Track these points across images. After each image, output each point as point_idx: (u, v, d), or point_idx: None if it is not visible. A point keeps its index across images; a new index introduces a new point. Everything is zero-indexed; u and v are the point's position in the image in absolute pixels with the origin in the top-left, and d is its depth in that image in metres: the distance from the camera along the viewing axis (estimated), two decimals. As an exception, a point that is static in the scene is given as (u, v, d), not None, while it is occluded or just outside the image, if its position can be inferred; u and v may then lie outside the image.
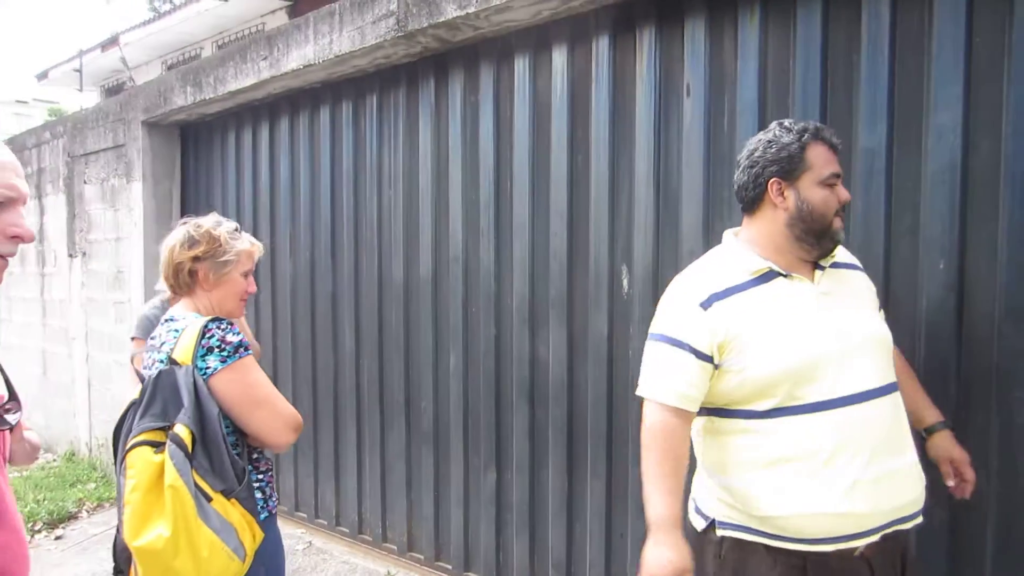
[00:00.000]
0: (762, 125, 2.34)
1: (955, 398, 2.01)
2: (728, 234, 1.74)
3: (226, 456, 1.64)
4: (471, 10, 2.76)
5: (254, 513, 1.68)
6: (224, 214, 4.37)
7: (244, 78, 3.82)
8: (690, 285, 1.60)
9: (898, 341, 1.75)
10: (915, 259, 2.12)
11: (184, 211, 4.70)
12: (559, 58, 2.85)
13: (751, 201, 1.64)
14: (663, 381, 1.57)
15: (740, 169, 1.67)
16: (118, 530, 1.59)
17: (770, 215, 1.61)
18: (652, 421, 1.57)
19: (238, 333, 1.75)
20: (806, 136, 1.58)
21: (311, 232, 3.92)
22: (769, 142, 1.61)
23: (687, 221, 2.54)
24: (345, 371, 3.77)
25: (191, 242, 1.82)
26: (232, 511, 1.61)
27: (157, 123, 4.71)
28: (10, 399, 1.21)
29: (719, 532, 1.59)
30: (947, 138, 2.05)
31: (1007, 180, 1.96)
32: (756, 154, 1.63)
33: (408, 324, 3.46)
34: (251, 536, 1.65)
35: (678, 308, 1.58)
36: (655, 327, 1.63)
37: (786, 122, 1.64)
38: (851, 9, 2.20)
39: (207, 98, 4.11)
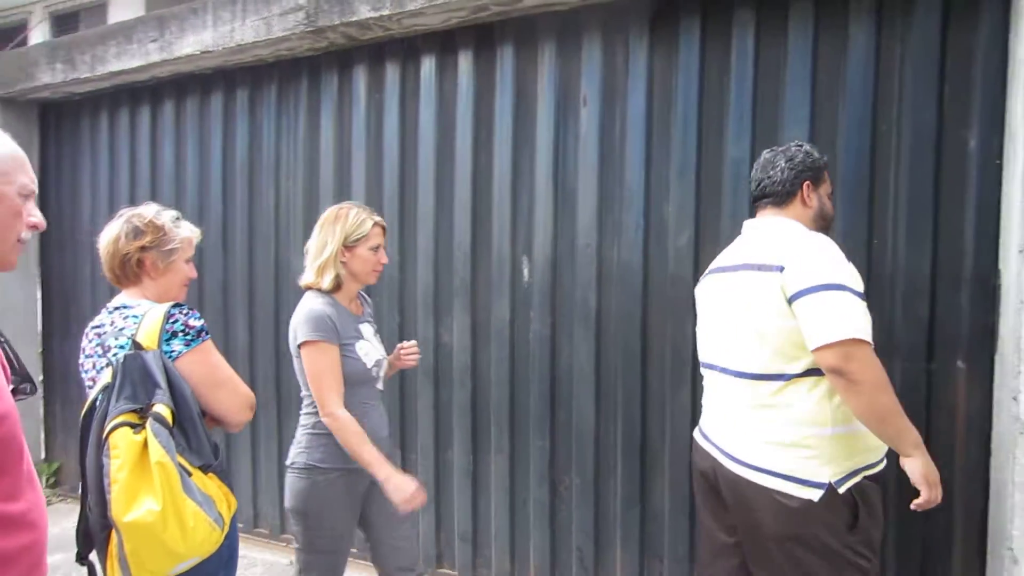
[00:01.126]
0: (649, 135, 2.70)
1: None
2: (765, 221, 1.92)
3: (202, 433, 1.71)
4: (385, 12, 2.91)
5: (229, 485, 1.77)
6: (96, 202, 4.24)
7: (129, 59, 3.70)
8: (836, 248, 1.74)
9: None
10: (774, 252, 2.54)
11: (45, 199, 4.44)
12: (465, 63, 3.06)
13: (786, 195, 1.92)
14: (866, 325, 1.63)
15: (778, 169, 1.93)
16: (83, 516, 1.62)
17: (799, 210, 1.92)
18: (874, 361, 1.61)
19: (199, 318, 1.83)
20: (824, 159, 1.99)
21: (199, 223, 3.86)
22: (807, 153, 1.95)
23: (583, 217, 2.84)
24: (237, 365, 3.76)
25: (136, 232, 1.86)
26: (210, 484, 1.69)
27: (13, 99, 4.40)
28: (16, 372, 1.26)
29: (843, 488, 1.69)
30: (799, 152, 2.48)
31: (840, 187, 2.41)
32: (797, 160, 1.93)
33: (308, 313, 3.52)
34: (227, 506, 1.73)
35: (846, 266, 1.70)
36: (831, 277, 1.65)
37: (805, 145, 1.99)
38: (724, 40, 2.59)
39: (80, 77, 3.93)
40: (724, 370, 1.92)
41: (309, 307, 2.11)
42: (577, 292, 2.86)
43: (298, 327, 2.10)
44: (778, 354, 1.75)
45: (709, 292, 2.04)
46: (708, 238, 2.63)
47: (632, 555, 2.81)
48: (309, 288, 2.19)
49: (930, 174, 2.30)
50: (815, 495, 1.69)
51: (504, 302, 3.01)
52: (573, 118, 2.86)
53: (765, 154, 2.02)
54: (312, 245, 2.20)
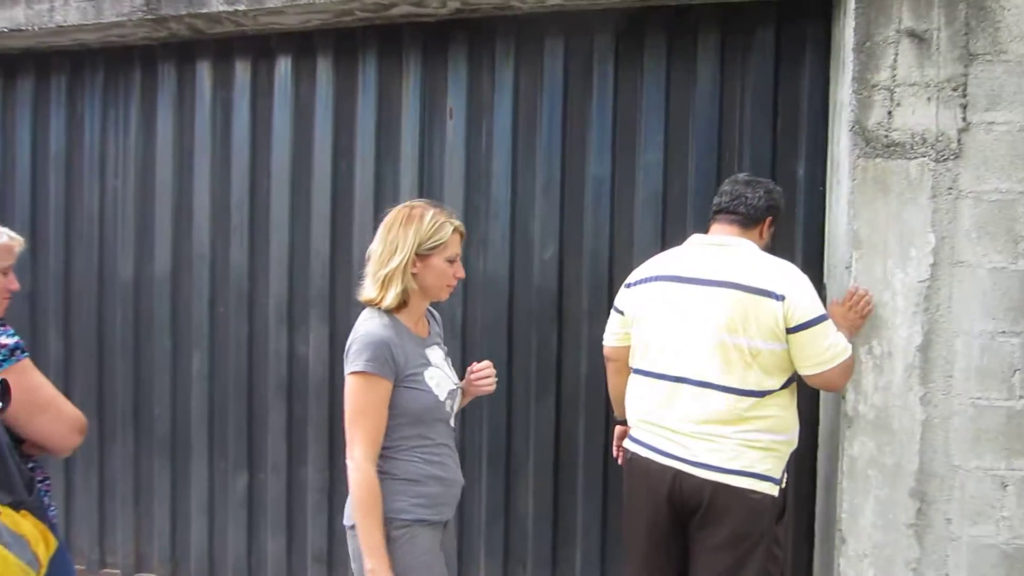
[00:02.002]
0: (515, 149, 2.78)
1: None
2: (732, 240, 2.05)
3: (11, 466, 1.52)
4: (241, 7, 2.74)
5: (46, 521, 1.58)
6: None
7: (-88, 33, 3.17)
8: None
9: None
10: (630, 266, 2.70)
11: None
12: (325, 67, 2.97)
13: (753, 220, 2.08)
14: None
15: (758, 195, 2.08)
16: None
17: (756, 237, 2.09)
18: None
19: (13, 335, 1.64)
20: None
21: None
22: (780, 195, 2.16)
23: (449, 228, 2.85)
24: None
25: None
26: (23, 523, 1.50)
27: None
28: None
29: (783, 484, 1.99)
30: (653, 173, 2.67)
31: (692, 208, 2.63)
32: (774, 196, 2.12)
33: (139, 326, 3.21)
34: (45, 546, 1.54)
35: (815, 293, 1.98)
36: (821, 309, 1.95)
37: (775, 186, 2.17)
38: (586, 63, 2.73)
39: None
40: (689, 381, 1.96)
41: (367, 330, 1.75)
42: (442, 302, 2.86)
43: (351, 351, 1.74)
44: (765, 373, 1.93)
45: (666, 301, 2.03)
46: (572, 252, 2.75)
47: (496, 563, 2.85)
48: (369, 304, 1.83)
49: (766, 198, 2.58)
50: (775, 491, 1.94)
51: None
52: (439, 130, 2.87)
53: (744, 176, 2.18)
54: (375, 251, 1.82)
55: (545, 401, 2.78)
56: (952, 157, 2.19)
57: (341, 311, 2.97)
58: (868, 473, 2.25)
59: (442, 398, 1.81)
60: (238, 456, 3.10)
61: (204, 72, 3.11)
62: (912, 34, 2.21)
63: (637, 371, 2.13)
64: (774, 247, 2.22)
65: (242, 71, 3.06)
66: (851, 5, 2.26)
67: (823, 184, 2.54)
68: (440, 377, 1.84)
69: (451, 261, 1.85)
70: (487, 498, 2.84)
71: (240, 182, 3.07)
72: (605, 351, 2.31)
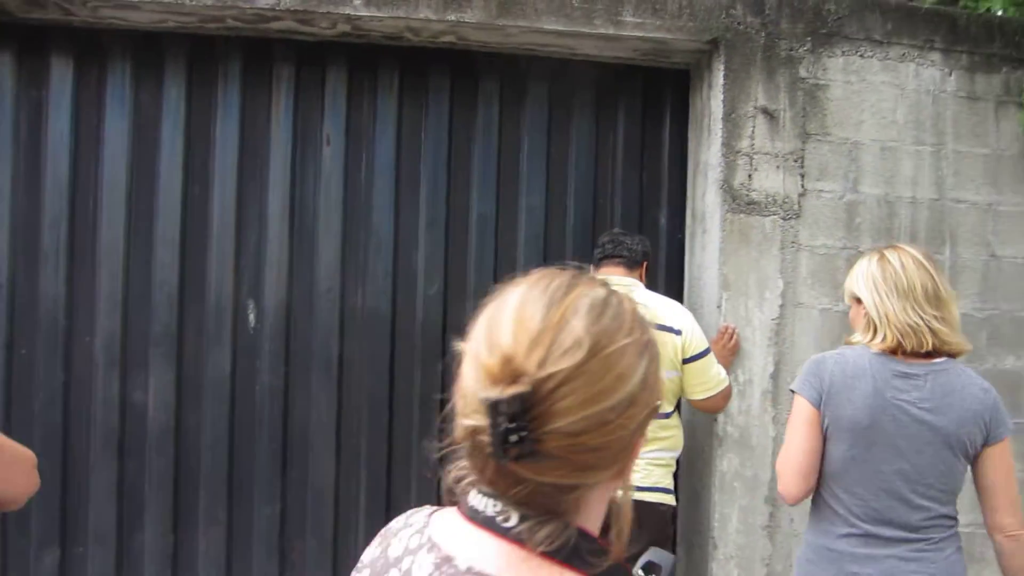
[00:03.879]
0: (398, 182, 2.73)
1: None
2: (626, 281, 2.28)
3: None
4: (86, -5, 2.33)
5: None
6: None
7: None
8: None
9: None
10: (514, 302, 2.79)
11: None
12: (175, 75, 2.62)
13: (635, 263, 2.37)
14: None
15: (635, 242, 2.39)
16: None
17: (638, 279, 2.35)
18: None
19: None
20: None
21: None
22: (648, 246, 2.47)
23: (324, 259, 2.68)
24: None
25: None
26: None
27: None
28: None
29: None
30: (535, 215, 2.80)
31: (571, 249, 2.81)
32: (646, 244, 2.44)
33: None
34: None
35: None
36: (705, 343, 2.25)
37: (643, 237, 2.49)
38: (471, 101, 2.77)
39: None
40: None
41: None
42: (316, 339, 2.68)
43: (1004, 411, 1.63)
44: (664, 398, 2.07)
45: None
46: (456, 289, 2.75)
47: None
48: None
49: (634, 242, 2.85)
50: (674, 500, 2.28)
51: (223, 352, 2.63)
52: (313, 155, 2.70)
53: (618, 230, 2.55)
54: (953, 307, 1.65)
55: (427, 439, 2.73)
56: (794, 217, 2.64)
57: (191, 351, 2.63)
58: (734, 485, 2.59)
59: None
60: (47, 529, 2.55)
61: (6, 64, 2.56)
62: (765, 111, 2.63)
63: None
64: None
65: (62, 68, 2.58)
66: (719, 81, 2.62)
67: (681, 232, 2.88)
68: None
69: None
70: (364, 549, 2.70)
71: (56, 198, 2.57)
72: None
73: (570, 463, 0.62)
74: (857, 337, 1.71)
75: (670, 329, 2.18)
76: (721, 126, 2.61)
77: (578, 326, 0.63)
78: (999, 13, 3.03)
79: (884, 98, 2.72)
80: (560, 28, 2.56)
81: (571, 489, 0.65)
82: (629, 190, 2.86)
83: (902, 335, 1.59)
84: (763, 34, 2.65)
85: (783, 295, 2.63)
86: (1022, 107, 2.79)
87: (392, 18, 2.48)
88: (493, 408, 0.60)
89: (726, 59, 2.62)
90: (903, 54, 2.74)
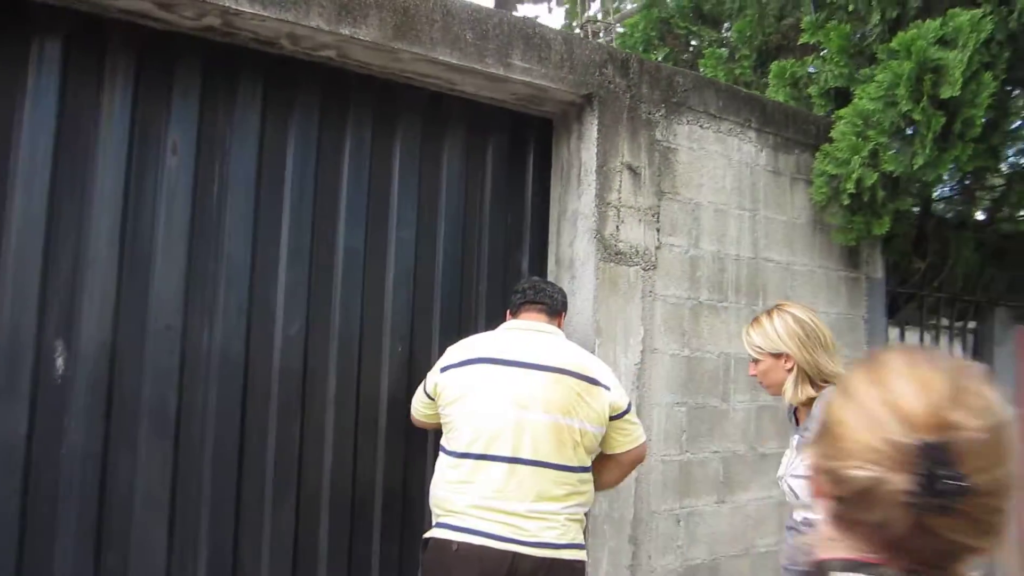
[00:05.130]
0: (257, 203, 2.39)
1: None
2: (550, 328, 2.24)
3: None
4: None
5: None
6: None
7: None
8: None
9: (366, 405, 2.50)
10: (380, 348, 2.57)
11: None
12: (-35, 43, 2.01)
13: (556, 312, 2.29)
14: None
15: (556, 291, 2.33)
16: None
17: (558, 327, 2.29)
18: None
19: None
20: None
21: None
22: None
23: (163, 292, 2.22)
24: None
25: None
26: None
27: None
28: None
29: None
30: (405, 249, 2.63)
31: (441, 283, 2.68)
32: (564, 293, 2.38)
33: None
34: None
35: None
36: (627, 398, 2.23)
37: None
38: (340, 125, 2.53)
39: None
40: (525, 461, 2.01)
41: None
42: (147, 388, 2.19)
43: None
44: (586, 452, 2.09)
45: (496, 383, 2.07)
46: (320, 329, 2.46)
47: None
48: None
49: (500, 284, 2.80)
50: (586, 555, 2.16)
51: (17, 406, 2.03)
52: (155, 165, 2.24)
53: (536, 278, 2.50)
54: None
55: (284, 508, 2.37)
56: (652, 268, 2.82)
57: (-33, 405, 1.98)
58: (604, 528, 2.64)
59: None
60: None
61: None
62: (630, 168, 2.80)
63: (463, 455, 2.09)
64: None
65: None
66: (592, 134, 2.73)
67: (542, 276, 2.91)
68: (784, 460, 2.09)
69: None
70: (202, 637, 2.24)
71: None
72: (414, 420, 2.39)
73: (978, 524, 0.64)
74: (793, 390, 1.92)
75: (600, 384, 2.15)
76: (595, 178, 2.71)
77: (985, 392, 0.67)
78: (783, 100, 3.61)
79: (717, 166, 3.06)
80: (453, 61, 2.46)
81: (967, 552, 0.66)
82: (496, 232, 2.82)
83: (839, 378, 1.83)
84: (628, 96, 2.82)
85: (643, 341, 2.78)
86: (810, 183, 3.33)
87: (278, 20, 2.18)
88: (923, 452, 0.61)
89: (599, 114, 2.74)
90: (730, 129, 3.11)
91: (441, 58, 2.44)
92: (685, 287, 2.93)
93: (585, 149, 2.76)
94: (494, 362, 2.11)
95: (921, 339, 3.90)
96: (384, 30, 2.33)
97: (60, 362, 2.09)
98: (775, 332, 1.99)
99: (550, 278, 2.89)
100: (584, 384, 2.13)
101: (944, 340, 4.05)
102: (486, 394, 2.08)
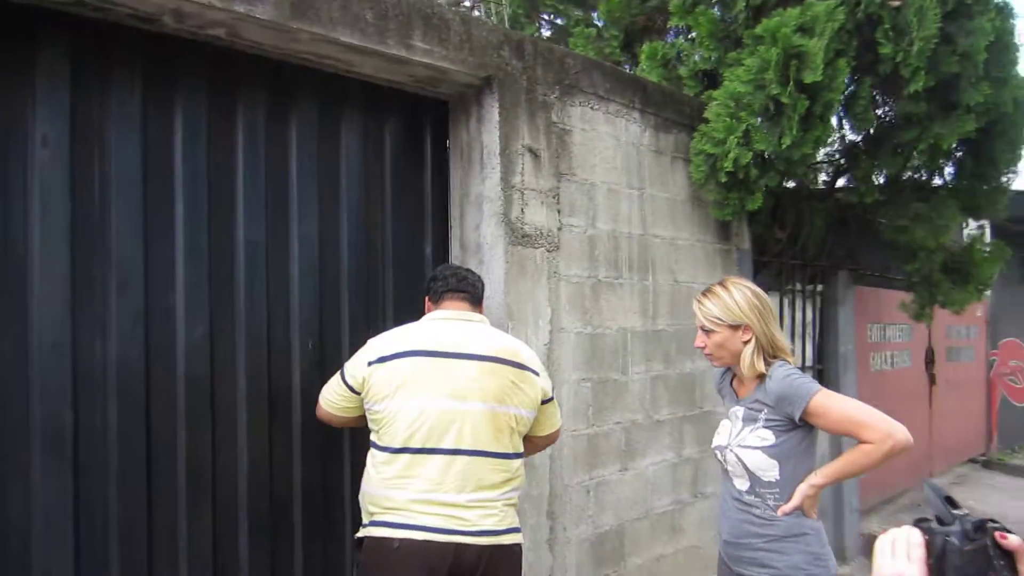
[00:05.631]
0: (146, 201, 2.18)
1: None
2: (477, 316, 2.24)
3: None
4: None
5: None
6: None
7: None
8: None
9: (279, 405, 2.39)
10: (289, 345, 2.45)
11: None
12: None
13: (478, 300, 2.29)
14: None
15: (476, 278, 2.31)
16: None
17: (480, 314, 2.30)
18: None
19: None
20: None
21: None
22: None
23: (47, 304, 1.98)
24: None
25: None
26: None
27: None
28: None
29: None
30: (308, 244, 2.51)
31: (346, 274, 2.59)
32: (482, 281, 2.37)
33: None
34: None
35: None
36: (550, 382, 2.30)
37: None
38: (230, 108, 2.35)
39: None
40: (464, 452, 2.01)
41: None
42: (38, 408, 1.96)
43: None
44: (519, 437, 2.12)
45: (429, 375, 2.04)
46: (224, 331, 2.30)
47: None
48: None
49: (405, 272, 2.74)
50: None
51: None
52: (19, 160, 1.97)
53: (454, 264, 2.52)
54: None
55: (199, 523, 2.21)
56: (555, 249, 2.89)
57: None
58: (524, 506, 2.69)
59: (712, 445, 2.21)
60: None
61: None
62: (531, 150, 2.82)
63: (400, 450, 2.05)
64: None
65: None
66: (493, 117, 2.73)
67: (446, 262, 2.88)
68: (722, 430, 2.18)
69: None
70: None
71: None
72: (325, 416, 2.27)
73: None
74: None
75: (532, 370, 2.18)
76: (499, 161, 2.71)
77: None
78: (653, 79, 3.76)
79: (608, 146, 3.16)
80: (354, 42, 2.35)
81: None
82: (399, 219, 2.75)
83: (787, 353, 1.95)
84: (524, 78, 2.83)
85: (551, 322, 2.84)
86: (688, 162, 3.52)
87: (166, -5, 1.98)
88: None
89: (499, 96, 2.73)
90: (617, 110, 3.21)
91: (343, 39, 2.32)
92: (585, 266, 3.01)
93: (487, 132, 2.75)
94: (427, 354, 2.08)
95: (781, 302, 4.27)
96: (281, 8, 2.18)
97: (-76, 390, 1.82)
98: (735, 303, 2.01)
99: (455, 263, 2.87)
100: (517, 371, 2.15)
101: (798, 302, 4.46)
102: (421, 387, 2.04)
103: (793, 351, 2.04)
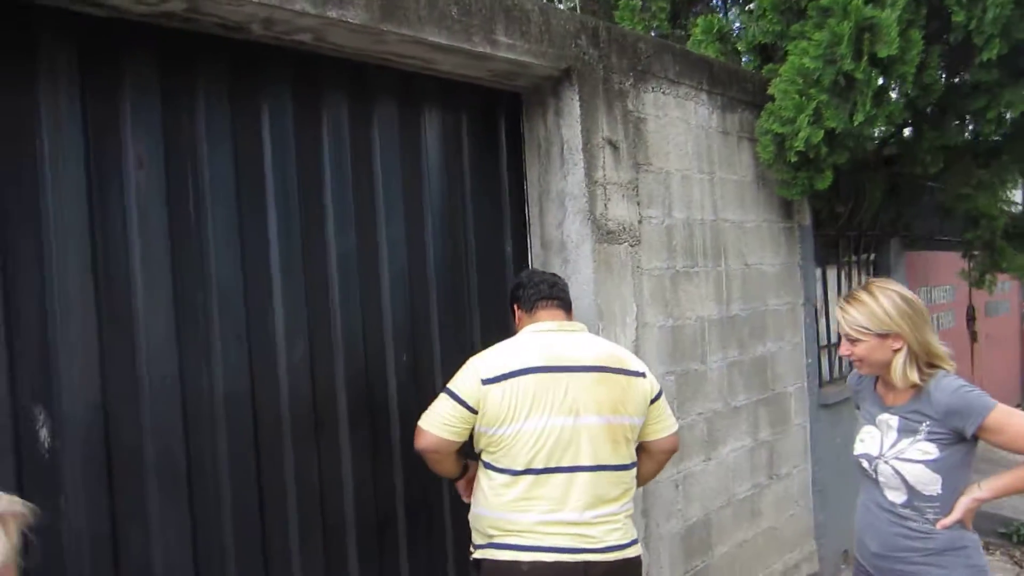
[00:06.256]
0: (241, 218, 2.09)
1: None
2: (576, 325, 2.16)
3: None
4: None
5: None
6: None
7: None
8: None
9: (379, 420, 2.34)
10: (384, 358, 2.38)
11: None
12: None
13: (570, 306, 2.21)
14: None
15: (565, 284, 2.24)
16: None
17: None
18: None
19: None
20: None
21: None
22: None
23: (152, 335, 1.90)
24: None
25: None
26: None
27: None
28: None
29: None
30: (398, 249, 2.43)
31: (435, 278, 2.51)
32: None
33: None
34: None
35: None
36: (657, 382, 2.19)
37: None
38: (314, 115, 2.25)
39: None
40: (584, 468, 1.97)
41: None
42: (150, 446, 1.89)
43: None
44: (634, 445, 2.09)
45: (546, 392, 1.96)
46: (323, 349, 2.23)
47: None
48: None
49: (490, 275, 2.67)
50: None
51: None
52: (118, 184, 1.88)
53: (539, 269, 2.52)
54: None
55: (310, 537, 2.17)
56: (637, 243, 2.81)
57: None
58: (621, 507, 2.66)
59: (856, 452, 2.11)
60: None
61: None
62: (611, 143, 2.73)
63: (523, 472, 1.99)
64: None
65: None
66: (575, 110, 2.63)
67: (526, 260, 2.80)
68: (867, 437, 2.08)
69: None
70: None
71: None
72: (433, 443, 2.04)
73: None
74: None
75: (637, 374, 2.10)
76: (582, 156, 2.61)
77: None
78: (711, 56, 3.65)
79: (679, 132, 3.06)
80: (441, 41, 2.24)
81: None
82: (480, 218, 2.67)
83: (946, 361, 1.88)
84: (601, 67, 2.73)
85: (637, 318, 2.78)
86: (753, 141, 3.42)
87: (257, 3, 1.86)
88: None
89: (579, 88, 2.63)
90: (686, 93, 3.11)
91: (431, 39, 2.21)
92: (664, 257, 2.94)
93: (567, 126, 2.65)
94: (541, 371, 2.00)
95: (838, 275, 4.21)
96: (371, 11, 2.07)
97: (44, 433, 1.75)
98: (882, 311, 1.89)
99: (536, 263, 2.80)
100: (625, 377, 2.09)
101: (854, 273, 4.41)
102: (539, 406, 1.97)
103: (952, 356, 1.95)
